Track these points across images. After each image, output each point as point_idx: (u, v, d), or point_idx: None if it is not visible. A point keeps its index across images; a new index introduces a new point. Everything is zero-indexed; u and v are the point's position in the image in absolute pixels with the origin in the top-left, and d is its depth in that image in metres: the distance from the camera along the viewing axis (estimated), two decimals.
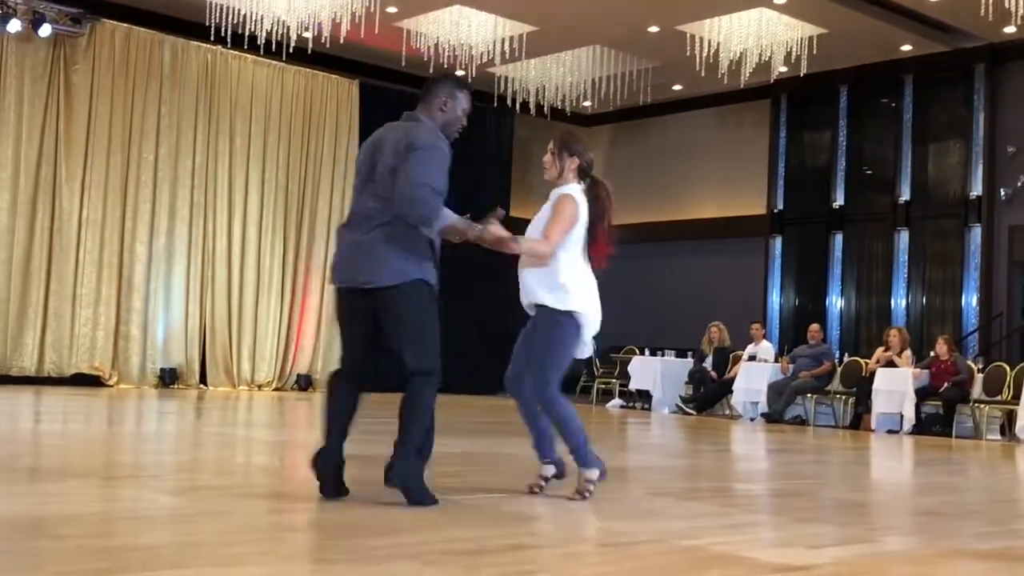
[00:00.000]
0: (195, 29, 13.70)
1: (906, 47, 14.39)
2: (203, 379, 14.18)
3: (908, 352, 12.43)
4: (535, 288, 4.99)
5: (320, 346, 14.97)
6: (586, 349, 5.10)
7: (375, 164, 4.70)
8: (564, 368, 5.02)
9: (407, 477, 4.54)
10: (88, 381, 13.17)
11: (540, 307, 4.98)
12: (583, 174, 5.08)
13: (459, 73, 14.91)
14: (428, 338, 4.65)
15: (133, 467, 5.88)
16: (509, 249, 4.89)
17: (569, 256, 4.96)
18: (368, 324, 4.70)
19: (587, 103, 16.95)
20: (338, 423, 4.71)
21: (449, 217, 4.71)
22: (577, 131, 4.96)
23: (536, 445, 5.11)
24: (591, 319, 5.00)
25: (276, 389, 14.54)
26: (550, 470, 5.12)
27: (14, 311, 12.95)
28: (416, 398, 4.62)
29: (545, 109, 16.01)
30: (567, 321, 4.94)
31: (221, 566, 3.29)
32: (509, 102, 15.93)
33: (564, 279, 4.93)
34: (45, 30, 12.81)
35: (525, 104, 15.93)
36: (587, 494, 4.94)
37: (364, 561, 3.44)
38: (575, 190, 5.04)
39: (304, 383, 14.72)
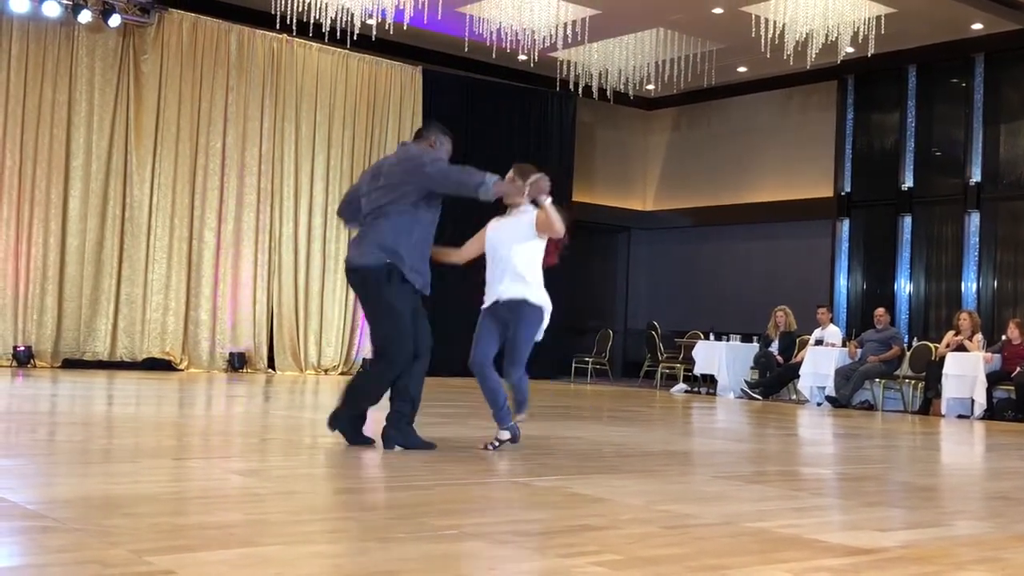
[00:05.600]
0: (261, 18, 13.86)
1: (977, 25, 14.11)
2: (271, 363, 14.37)
3: (979, 336, 12.22)
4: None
5: None
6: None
7: None
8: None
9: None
10: (159, 365, 13.42)
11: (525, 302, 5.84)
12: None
13: (521, 58, 14.91)
14: None
15: (203, 449, 5.98)
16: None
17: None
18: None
19: (650, 86, 16.85)
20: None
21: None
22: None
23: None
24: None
25: (342, 373, 14.68)
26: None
27: (87, 297, 13.23)
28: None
29: (608, 93, 15.94)
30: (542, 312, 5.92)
31: (291, 544, 3.34)
32: (572, 86, 15.88)
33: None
34: (115, 20, 13.02)
35: (588, 88, 15.86)
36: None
37: (432, 540, 3.47)
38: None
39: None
